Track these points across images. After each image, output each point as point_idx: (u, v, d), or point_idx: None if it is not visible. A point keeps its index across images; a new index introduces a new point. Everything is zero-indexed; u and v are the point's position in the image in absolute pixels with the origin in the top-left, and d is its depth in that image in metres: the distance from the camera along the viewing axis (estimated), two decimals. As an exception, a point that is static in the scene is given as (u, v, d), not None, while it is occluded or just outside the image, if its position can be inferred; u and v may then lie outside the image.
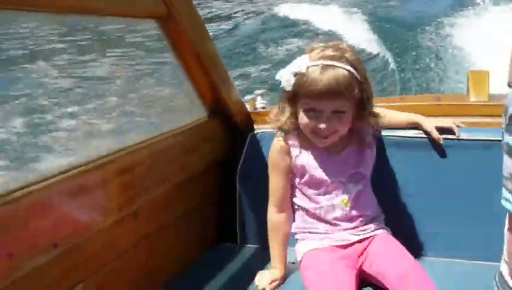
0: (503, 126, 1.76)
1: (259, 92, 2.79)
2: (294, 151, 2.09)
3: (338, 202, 2.08)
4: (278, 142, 2.12)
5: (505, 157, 1.74)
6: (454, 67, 11.22)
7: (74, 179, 1.67)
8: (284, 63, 2.11)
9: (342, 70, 1.87)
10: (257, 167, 2.46)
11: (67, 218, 1.64)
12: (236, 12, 18.26)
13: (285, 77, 1.94)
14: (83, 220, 1.71)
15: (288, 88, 1.94)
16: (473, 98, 2.50)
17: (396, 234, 2.15)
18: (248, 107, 2.72)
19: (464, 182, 2.25)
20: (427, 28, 14.38)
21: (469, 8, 15.89)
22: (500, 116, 2.33)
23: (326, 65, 1.87)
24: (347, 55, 1.91)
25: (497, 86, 2.52)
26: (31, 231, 1.44)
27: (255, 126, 2.64)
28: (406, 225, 2.31)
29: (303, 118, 1.96)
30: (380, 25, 14.91)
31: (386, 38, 13.24)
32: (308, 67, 1.89)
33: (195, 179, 2.41)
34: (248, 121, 2.66)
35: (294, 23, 16.50)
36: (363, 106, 1.98)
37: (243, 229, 2.58)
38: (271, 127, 2.17)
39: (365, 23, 15.27)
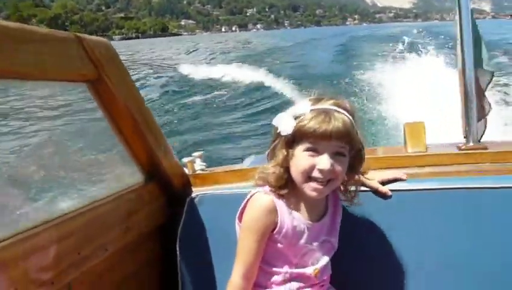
0: None
1: (197, 153, 2.67)
2: (282, 213, 1.90)
3: (309, 271, 1.96)
4: (266, 199, 1.89)
5: None
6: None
7: None
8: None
9: (344, 115, 1.80)
10: (197, 230, 2.34)
11: None
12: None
13: (285, 120, 1.80)
14: None
15: (288, 132, 1.79)
16: (410, 150, 2.48)
17: None
18: (186, 170, 2.59)
19: (412, 232, 2.20)
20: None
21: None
22: (439, 165, 2.34)
23: (330, 109, 1.80)
24: (347, 105, 1.86)
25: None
26: None
27: (194, 189, 2.49)
28: (357, 279, 2.24)
29: (301, 160, 1.81)
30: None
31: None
32: (311, 110, 1.79)
33: (134, 245, 2.23)
34: (186, 184, 2.51)
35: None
36: (359, 158, 1.92)
37: None
38: (256, 184, 1.94)
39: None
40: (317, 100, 1.85)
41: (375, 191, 2.20)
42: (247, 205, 1.94)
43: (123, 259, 2.17)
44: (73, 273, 1.81)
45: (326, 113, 1.78)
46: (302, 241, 1.93)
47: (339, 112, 1.80)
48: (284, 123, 1.81)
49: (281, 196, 1.89)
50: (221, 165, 3.01)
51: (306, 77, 16.56)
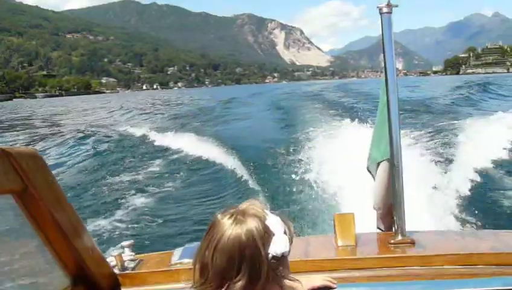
0: None
1: (126, 243, 2.57)
2: None
3: None
4: None
5: None
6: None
7: None
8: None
9: None
10: None
11: None
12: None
13: (284, 241, 1.67)
14: None
15: (288, 247, 1.67)
16: (340, 242, 2.48)
17: None
18: (115, 261, 2.49)
19: None
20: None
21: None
22: (368, 269, 2.33)
23: None
24: None
25: None
26: None
27: (123, 289, 2.40)
28: None
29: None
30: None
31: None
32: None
33: None
34: (115, 284, 2.40)
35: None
36: None
37: None
38: None
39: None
40: (266, 209, 1.73)
41: None
42: None
43: None
44: None
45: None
46: None
47: None
48: (286, 244, 1.68)
49: None
50: (151, 251, 2.88)
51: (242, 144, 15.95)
